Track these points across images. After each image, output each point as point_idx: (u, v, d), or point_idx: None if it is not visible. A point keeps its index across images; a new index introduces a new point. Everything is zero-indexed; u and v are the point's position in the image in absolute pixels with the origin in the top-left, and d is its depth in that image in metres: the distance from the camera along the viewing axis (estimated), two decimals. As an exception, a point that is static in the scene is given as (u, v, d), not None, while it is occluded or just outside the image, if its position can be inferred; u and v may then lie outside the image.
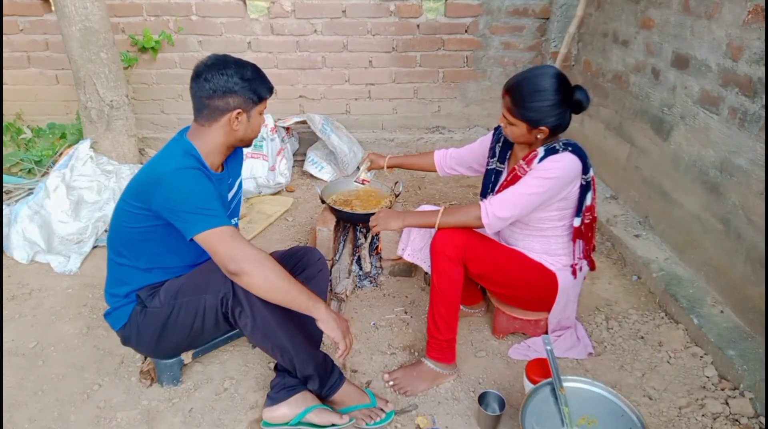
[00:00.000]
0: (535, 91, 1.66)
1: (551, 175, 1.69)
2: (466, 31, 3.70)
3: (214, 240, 1.46)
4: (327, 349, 1.97)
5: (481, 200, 1.82)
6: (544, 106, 1.66)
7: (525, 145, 1.82)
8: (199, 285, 1.62)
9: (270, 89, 1.64)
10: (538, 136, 1.73)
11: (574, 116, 1.75)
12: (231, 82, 1.55)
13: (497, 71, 3.83)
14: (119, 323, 1.72)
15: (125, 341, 1.76)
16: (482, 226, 1.77)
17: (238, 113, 1.58)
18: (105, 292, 1.75)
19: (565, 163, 1.70)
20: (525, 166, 1.76)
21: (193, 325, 1.65)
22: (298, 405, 1.67)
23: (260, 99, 1.62)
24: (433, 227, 1.82)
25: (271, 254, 1.94)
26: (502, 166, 1.94)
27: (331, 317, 1.55)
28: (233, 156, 1.81)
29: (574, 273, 1.89)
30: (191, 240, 1.48)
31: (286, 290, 1.50)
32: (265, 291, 1.49)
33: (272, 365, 1.94)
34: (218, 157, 1.66)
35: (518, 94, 1.69)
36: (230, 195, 1.82)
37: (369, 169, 2.35)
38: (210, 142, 1.62)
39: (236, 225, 1.90)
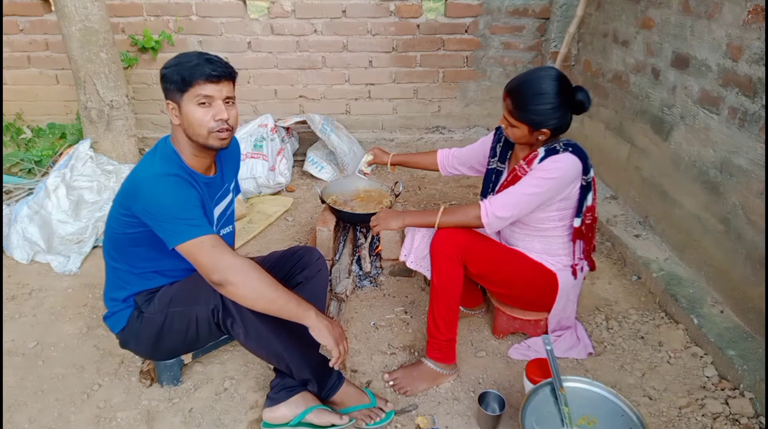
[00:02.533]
0: (537, 94, 1.66)
1: (551, 175, 1.69)
2: (466, 31, 3.70)
3: (196, 250, 1.42)
4: (327, 350, 1.97)
5: (481, 200, 1.82)
6: (546, 109, 1.66)
7: (526, 145, 1.82)
8: (189, 296, 1.60)
9: (201, 73, 1.45)
10: (540, 138, 1.73)
11: (574, 116, 1.75)
12: (160, 74, 1.51)
13: (497, 71, 3.83)
14: (118, 327, 1.72)
15: (123, 344, 1.76)
16: (482, 226, 1.77)
17: (168, 104, 1.52)
18: (104, 295, 1.75)
19: (566, 163, 1.70)
20: (525, 167, 1.76)
21: (187, 333, 1.64)
22: (298, 405, 1.67)
23: (185, 84, 1.46)
24: (433, 227, 1.82)
25: (270, 254, 1.94)
26: (503, 166, 1.94)
27: (322, 325, 1.51)
28: (228, 156, 1.77)
29: (574, 273, 1.89)
30: (173, 250, 1.45)
31: (273, 299, 1.45)
32: (251, 301, 1.45)
33: (272, 365, 1.94)
34: (193, 158, 1.58)
35: (519, 97, 1.69)
36: (224, 202, 1.77)
37: (371, 164, 2.35)
38: (179, 143, 1.58)
39: (232, 233, 1.87)
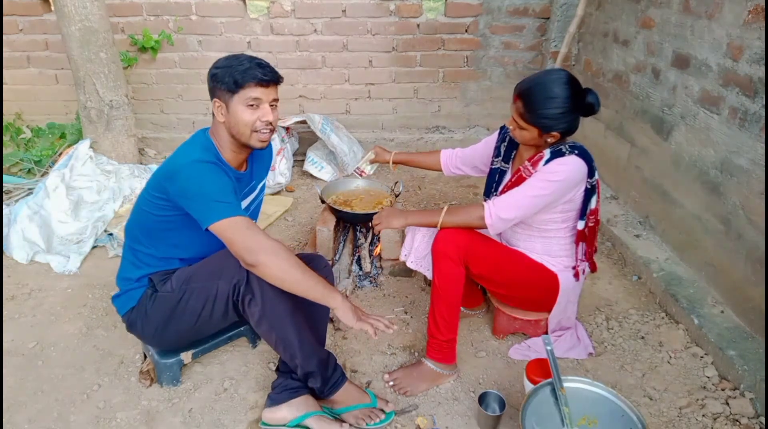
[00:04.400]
0: (548, 98, 1.65)
1: (556, 178, 1.69)
2: (466, 31, 3.70)
3: (230, 230, 1.48)
4: (330, 349, 1.97)
5: (485, 200, 1.81)
6: (557, 113, 1.65)
7: (532, 146, 1.80)
8: (213, 271, 1.63)
9: (252, 76, 1.54)
10: (548, 140, 1.72)
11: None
12: (209, 73, 1.59)
13: (497, 71, 3.83)
14: (126, 307, 1.73)
15: (130, 326, 1.77)
16: (485, 227, 1.76)
17: (215, 102, 1.60)
18: (117, 277, 1.78)
19: (571, 166, 1.69)
20: (530, 168, 1.74)
21: (201, 312, 1.65)
22: (299, 408, 1.67)
23: (237, 86, 1.54)
24: (436, 226, 1.82)
25: None
26: (507, 165, 1.94)
27: (347, 306, 1.56)
28: (260, 156, 1.82)
29: (576, 274, 1.88)
30: (207, 230, 1.50)
31: (302, 280, 1.52)
32: (281, 281, 1.51)
33: (273, 366, 1.94)
34: (231, 153, 1.67)
35: (531, 100, 1.67)
36: (250, 198, 1.82)
37: (372, 162, 2.32)
38: (218, 137, 1.66)
39: None
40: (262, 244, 1.48)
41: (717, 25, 2.15)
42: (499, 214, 1.72)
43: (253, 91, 1.56)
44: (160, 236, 1.69)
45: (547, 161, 1.70)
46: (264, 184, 1.92)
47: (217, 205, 1.50)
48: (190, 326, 1.70)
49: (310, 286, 1.53)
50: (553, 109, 1.65)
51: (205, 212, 1.50)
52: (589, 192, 1.76)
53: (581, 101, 1.68)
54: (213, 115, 1.66)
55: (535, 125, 1.69)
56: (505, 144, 1.94)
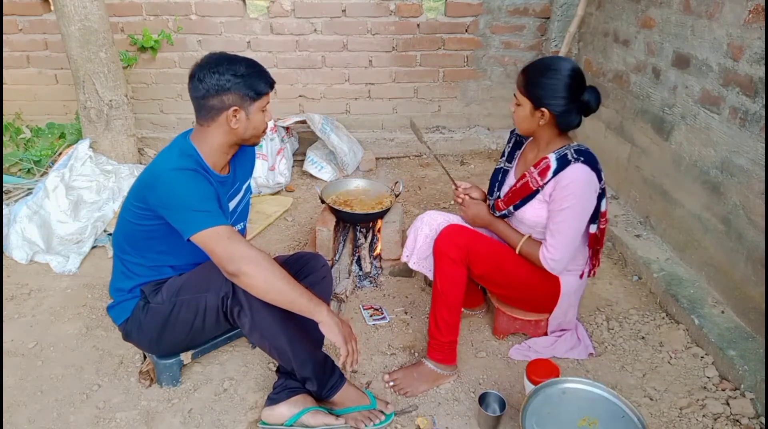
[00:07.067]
0: (549, 68, 1.66)
1: (575, 198, 1.68)
2: (466, 31, 3.69)
3: (211, 240, 1.45)
4: (328, 350, 1.97)
5: (487, 200, 1.78)
6: (552, 83, 1.64)
7: (532, 137, 1.79)
8: (200, 283, 1.61)
9: (270, 84, 1.60)
10: (540, 122, 1.70)
11: None
12: (223, 80, 1.52)
13: (498, 71, 3.82)
14: (121, 317, 1.72)
15: (126, 336, 1.76)
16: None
17: (235, 111, 1.55)
18: (110, 286, 1.76)
19: (580, 178, 1.68)
20: (537, 178, 1.73)
21: (193, 324, 1.64)
22: (296, 405, 1.67)
23: (258, 94, 1.57)
24: (515, 248, 1.81)
25: (275, 258, 1.93)
26: (510, 165, 1.93)
27: (333, 321, 1.52)
28: (243, 158, 1.79)
29: (581, 276, 1.88)
30: (188, 240, 1.47)
31: (285, 291, 1.48)
32: (263, 292, 1.48)
33: (273, 366, 1.94)
34: (221, 157, 1.65)
35: (532, 71, 1.69)
36: (236, 199, 1.80)
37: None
38: (210, 143, 1.61)
39: (244, 229, 1.89)
40: (244, 253, 1.45)
41: (717, 25, 2.14)
42: (554, 258, 1.74)
43: (268, 97, 1.62)
44: (146, 245, 1.66)
45: (555, 172, 1.69)
46: (249, 185, 1.89)
47: (197, 215, 1.46)
48: (185, 336, 1.70)
49: (294, 298, 1.49)
50: (549, 80, 1.64)
51: (186, 222, 1.47)
52: (599, 196, 1.75)
53: (579, 90, 1.67)
54: (200, 121, 1.60)
55: (529, 97, 1.68)
56: (510, 145, 1.95)
